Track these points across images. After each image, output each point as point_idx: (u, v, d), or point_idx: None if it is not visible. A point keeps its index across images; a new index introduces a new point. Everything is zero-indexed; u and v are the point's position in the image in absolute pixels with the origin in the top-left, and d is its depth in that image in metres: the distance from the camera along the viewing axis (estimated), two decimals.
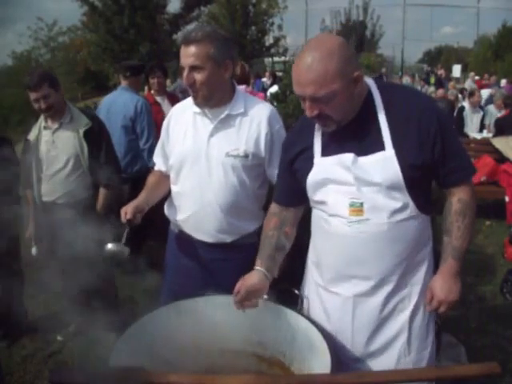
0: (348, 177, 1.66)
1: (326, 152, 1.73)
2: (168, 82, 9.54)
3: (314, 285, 1.92)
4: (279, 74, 16.78)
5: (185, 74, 2.08)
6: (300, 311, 1.87)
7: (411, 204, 1.67)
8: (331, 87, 1.54)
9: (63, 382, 1.50)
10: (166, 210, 2.45)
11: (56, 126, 3.24)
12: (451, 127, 1.77)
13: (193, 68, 2.06)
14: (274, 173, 2.24)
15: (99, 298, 3.62)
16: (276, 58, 25.52)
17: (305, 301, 1.94)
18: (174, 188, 2.35)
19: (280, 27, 24.44)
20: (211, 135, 2.19)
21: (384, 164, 1.63)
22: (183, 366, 1.73)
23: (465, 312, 3.74)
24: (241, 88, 4.49)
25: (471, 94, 8.30)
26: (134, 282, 4.27)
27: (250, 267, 1.90)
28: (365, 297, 1.75)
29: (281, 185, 1.98)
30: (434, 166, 1.67)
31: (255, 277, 1.80)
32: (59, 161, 3.23)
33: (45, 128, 3.27)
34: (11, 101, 15.39)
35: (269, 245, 1.88)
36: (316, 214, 1.85)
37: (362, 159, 1.65)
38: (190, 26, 2.14)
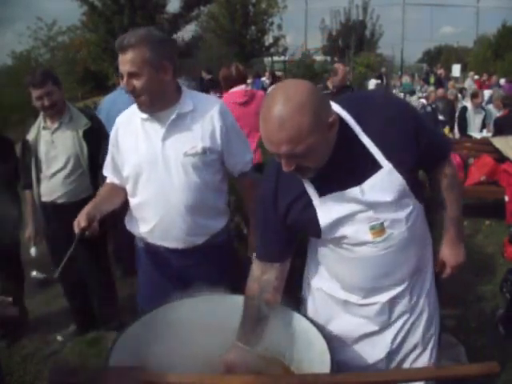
0: (360, 206, 1.62)
1: (323, 191, 1.63)
2: None
3: (339, 304, 1.85)
4: (278, 73, 16.85)
5: (124, 80, 2.05)
6: (300, 311, 1.87)
7: (416, 201, 1.70)
8: (307, 142, 1.42)
9: (62, 381, 1.50)
10: (128, 225, 2.37)
11: (55, 126, 3.23)
12: (421, 116, 1.85)
13: (131, 75, 2.02)
14: (234, 163, 2.29)
15: (99, 298, 3.62)
16: (276, 58, 25.55)
17: (310, 302, 1.93)
18: (133, 200, 2.28)
19: (280, 27, 24.52)
20: (165, 138, 2.15)
21: (388, 180, 1.61)
22: (183, 365, 1.73)
23: (464, 312, 3.75)
24: (240, 88, 4.54)
25: (474, 95, 8.28)
26: (134, 282, 4.28)
27: (224, 267, 1.88)
28: (399, 297, 1.78)
29: (268, 241, 1.80)
30: (422, 158, 1.68)
31: (234, 354, 1.74)
32: (58, 161, 3.23)
33: (44, 128, 3.27)
34: (11, 100, 15.37)
35: (249, 318, 1.78)
36: (331, 246, 1.76)
37: (366, 185, 1.60)
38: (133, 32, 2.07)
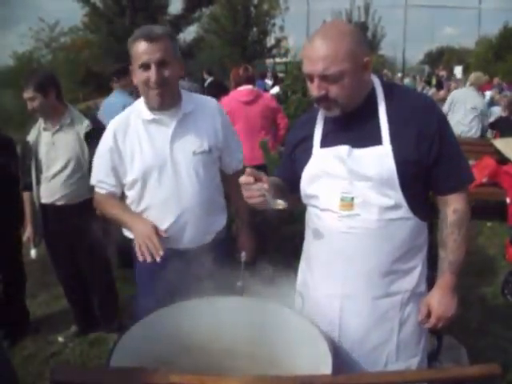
0: (341, 169, 1.66)
1: (324, 143, 1.74)
2: None
3: (304, 284, 1.93)
4: (280, 74, 16.78)
5: (152, 71, 2.01)
6: (300, 311, 1.87)
7: (404, 204, 1.66)
8: (342, 66, 1.55)
9: (65, 381, 1.50)
10: (130, 233, 2.26)
11: (56, 127, 3.23)
12: (451, 132, 1.74)
13: (161, 63, 2.02)
14: (230, 161, 2.34)
15: (100, 299, 3.63)
16: (277, 59, 25.55)
17: (300, 298, 1.93)
18: (137, 207, 2.22)
19: (281, 28, 24.52)
20: (173, 139, 2.15)
21: (380, 158, 1.62)
22: (184, 366, 1.73)
23: (466, 313, 3.73)
24: (246, 88, 4.56)
25: None
26: (135, 284, 4.27)
27: (227, 263, 1.94)
28: (353, 298, 1.74)
29: (281, 166, 2.01)
30: (429, 166, 1.66)
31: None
32: (59, 162, 3.23)
33: (44, 129, 3.27)
34: (12, 101, 15.37)
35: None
36: (309, 211, 1.86)
37: (358, 151, 1.65)
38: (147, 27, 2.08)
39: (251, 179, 1.60)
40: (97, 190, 2.31)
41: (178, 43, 2.16)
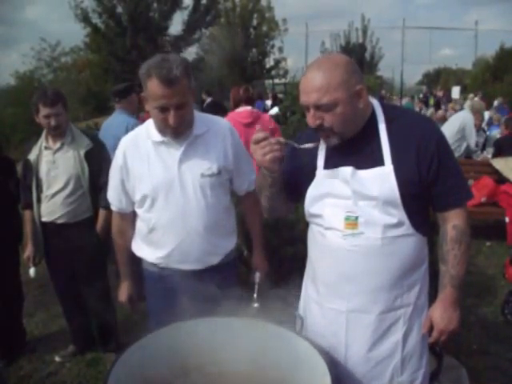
0: (346, 190, 1.69)
1: (327, 165, 1.76)
2: None
3: (310, 300, 1.93)
4: (280, 95, 16.91)
5: (171, 115, 1.99)
6: (300, 332, 1.86)
7: (407, 221, 1.69)
8: (334, 95, 1.59)
9: None
10: (137, 251, 2.34)
11: (57, 146, 3.25)
12: (449, 151, 1.77)
13: (179, 106, 1.99)
14: (241, 182, 2.32)
15: (98, 319, 3.60)
16: (276, 80, 25.78)
17: (299, 320, 1.93)
18: (145, 225, 2.24)
19: (280, 49, 24.82)
20: (181, 160, 2.15)
21: (382, 179, 1.66)
22: None
23: (466, 333, 3.71)
24: (245, 109, 4.60)
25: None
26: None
27: (232, 286, 1.95)
28: (358, 313, 1.76)
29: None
30: (429, 185, 1.69)
31: None
32: (59, 181, 3.23)
33: (45, 148, 3.28)
34: (13, 120, 15.47)
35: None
36: (312, 228, 1.88)
37: (361, 173, 1.68)
38: (156, 61, 1.99)
39: (267, 133, 1.67)
40: (111, 207, 2.39)
41: (191, 68, 2.08)
